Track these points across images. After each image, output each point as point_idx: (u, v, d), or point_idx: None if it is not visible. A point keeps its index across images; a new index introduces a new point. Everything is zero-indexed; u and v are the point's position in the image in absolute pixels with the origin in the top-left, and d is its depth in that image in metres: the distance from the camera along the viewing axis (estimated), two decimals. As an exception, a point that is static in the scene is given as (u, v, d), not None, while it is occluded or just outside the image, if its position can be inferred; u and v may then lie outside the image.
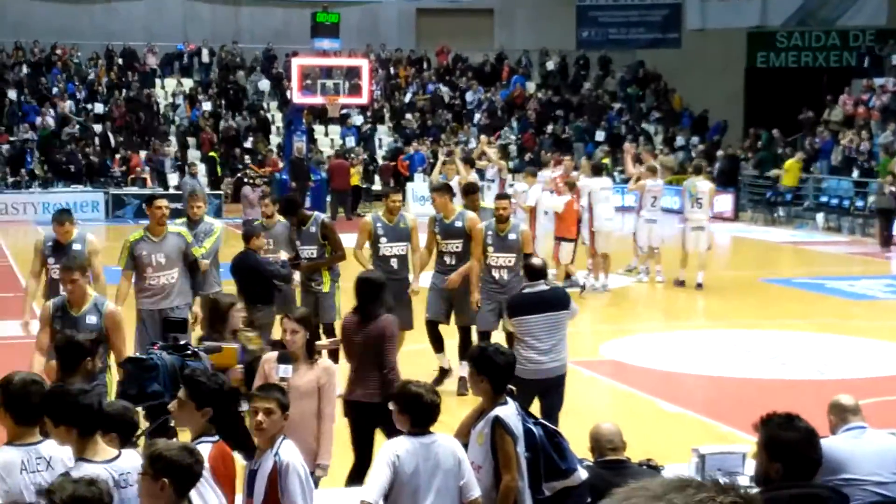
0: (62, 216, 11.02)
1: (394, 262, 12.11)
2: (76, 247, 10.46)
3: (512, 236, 11.83)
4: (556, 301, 9.46)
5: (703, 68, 40.05)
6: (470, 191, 13.85)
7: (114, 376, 8.32)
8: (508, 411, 6.25)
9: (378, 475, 5.88)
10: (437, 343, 12.37)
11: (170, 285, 10.83)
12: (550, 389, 9.18)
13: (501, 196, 13.29)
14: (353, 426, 8.36)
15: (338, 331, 9.87)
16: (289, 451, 5.87)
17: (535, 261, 9.82)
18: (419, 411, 5.94)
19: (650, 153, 25.84)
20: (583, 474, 6.45)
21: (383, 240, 12.20)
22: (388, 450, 5.96)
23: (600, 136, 38.74)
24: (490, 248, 11.78)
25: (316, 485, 7.35)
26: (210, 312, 8.61)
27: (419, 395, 5.97)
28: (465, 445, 6.24)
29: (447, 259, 12.27)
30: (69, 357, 7.06)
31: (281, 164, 33.15)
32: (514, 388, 6.55)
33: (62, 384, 5.99)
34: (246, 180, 25.47)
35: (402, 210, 12.65)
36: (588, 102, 40.93)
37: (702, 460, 7.02)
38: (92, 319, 8.56)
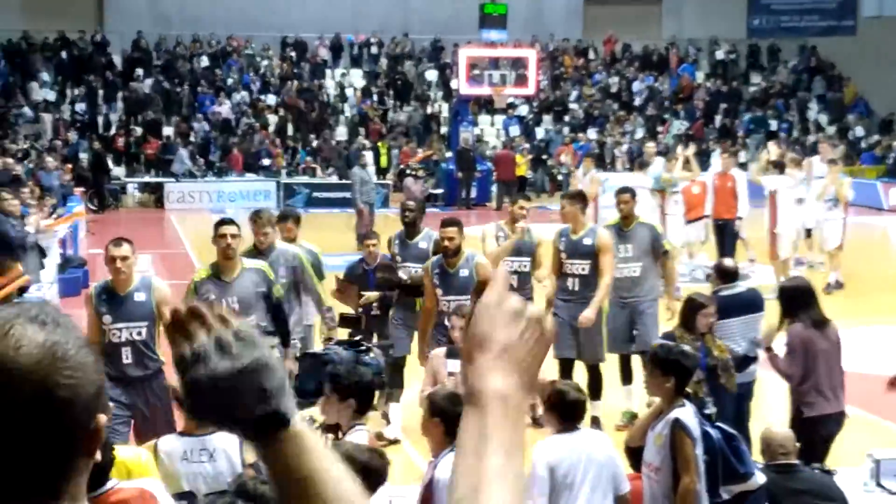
0: (119, 242, 8.43)
1: (512, 280, 10.38)
2: (138, 297, 8.18)
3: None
4: (756, 302, 9.19)
5: (879, 57, 38.80)
6: None
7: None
8: (687, 413, 6.20)
9: (537, 479, 5.92)
10: (569, 377, 10.44)
11: None
12: (745, 395, 8.86)
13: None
14: None
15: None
16: (447, 467, 5.83)
17: (728, 262, 9.63)
18: (566, 408, 6.03)
19: (829, 144, 24.52)
20: (760, 478, 6.36)
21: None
22: (542, 452, 6.02)
23: (772, 126, 37.95)
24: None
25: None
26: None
27: (564, 393, 6.07)
28: (641, 447, 6.23)
29: (570, 283, 10.46)
30: None
31: (440, 155, 33.38)
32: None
33: None
34: (409, 172, 25.68)
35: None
36: (758, 92, 40.11)
37: (876, 465, 6.84)
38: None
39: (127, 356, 8.02)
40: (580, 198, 11.04)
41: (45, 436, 1.66)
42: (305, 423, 1.71)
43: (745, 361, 8.65)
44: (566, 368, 10.37)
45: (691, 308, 8.12)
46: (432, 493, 5.74)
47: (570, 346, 10.31)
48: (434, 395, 6.22)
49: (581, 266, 10.38)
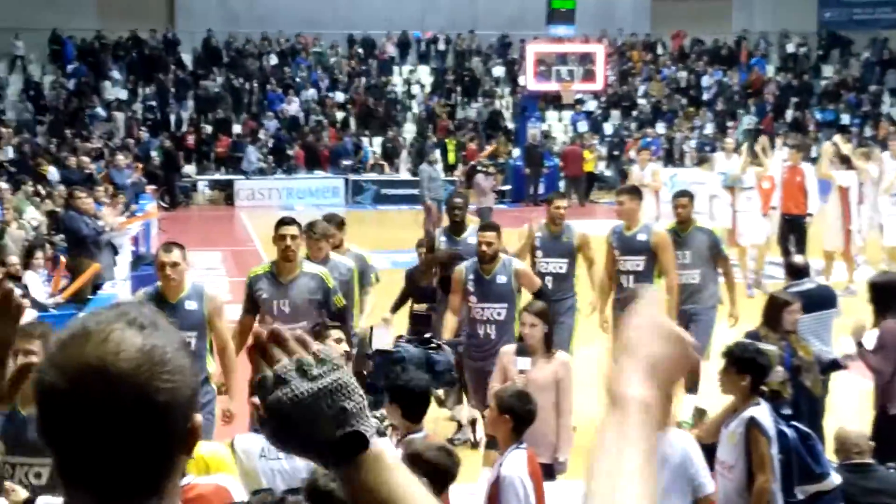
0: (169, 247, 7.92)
1: (548, 281, 10.14)
2: (189, 306, 7.71)
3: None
4: (826, 299, 9.05)
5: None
6: None
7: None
8: (762, 412, 6.14)
9: None
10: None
11: None
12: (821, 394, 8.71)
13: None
14: None
15: None
16: (513, 464, 5.84)
17: (798, 258, 9.51)
18: None
19: None
20: (836, 479, 6.28)
21: (539, 253, 10.55)
22: None
23: (844, 120, 37.43)
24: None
25: (553, 478, 7.40)
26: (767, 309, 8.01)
27: None
28: (714, 444, 6.17)
29: (623, 280, 10.24)
30: None
31: (504, 150, 33.32)
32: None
33: None
34: (479, 168, 25.69)
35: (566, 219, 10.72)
36: (830, 86, 39.60)
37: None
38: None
39: None
40: (637, 193, 10.79)
41: (146, 438, 1.69)
42: (384, 442, 1.72)
43: (834, 366, 8.45)
44: None
45: (775, 306, 7.97)
46: (499, 489, 5.73)
47: None
48: (502, 393, 6.23)
49: (635, 263, 10.09)
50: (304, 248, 8.83)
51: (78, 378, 1.68)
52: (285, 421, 1.72)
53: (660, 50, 41.53)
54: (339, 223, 10.18)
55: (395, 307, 10.60)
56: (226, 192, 32.92)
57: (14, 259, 12.93)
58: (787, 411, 7.17)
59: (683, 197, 10.80)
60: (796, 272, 9.19)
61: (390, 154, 35.08)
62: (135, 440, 1.68)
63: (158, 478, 1.73)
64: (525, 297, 9.22)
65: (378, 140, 35.86)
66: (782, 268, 16.99)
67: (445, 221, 11.70)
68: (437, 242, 10.69)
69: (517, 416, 5.89)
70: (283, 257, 8.27)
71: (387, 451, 1.73)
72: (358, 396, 1.73)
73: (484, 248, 9.12)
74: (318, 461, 1.77)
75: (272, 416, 1.72)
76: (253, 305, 8.34)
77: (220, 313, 7.70)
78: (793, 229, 17.23)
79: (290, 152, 34.66)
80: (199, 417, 1.78)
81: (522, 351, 7.60)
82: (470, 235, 10.39)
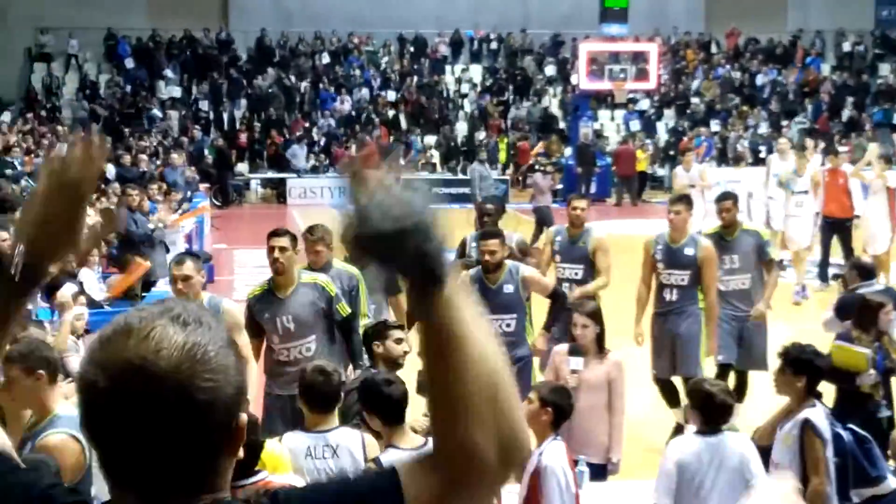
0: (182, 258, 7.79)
1: (565, 287, 9.52)
2: None
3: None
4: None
5: None
6: None
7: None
8: (818, 414, 6.08)
9: (665, 477, 5.87)
10: (672, 397, 9.76)
11: (305, 360, 7.40)
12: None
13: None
14: None
15: None
16: (553, 454, 5.86)
17: (866, 260, 9.39)
18: (710, 410, 5.91)
19: None
20: (893, 482, 6.19)
21: (557, 257, 10.04)
22: (673, 450, 5.98)
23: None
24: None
25: (605, 478, 7.38)
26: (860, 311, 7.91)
27: (711, 395, 5.92)
28: (769, 446, 6.12)
29: (667, 294, 9.69)
30: None
31: (559, 150, 33.22)
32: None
33: (373, 375, 6.18)
34: (537, 167, 25.67)
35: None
36: (885, 85, 39.12)
37: None
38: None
39: None
40: (690, 203, 10.20)
41: (187, 437, 1.67)
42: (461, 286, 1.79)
43: None
44: (666, 385, 9.75)
45: (870, 308, 7.78)
46: (539, 480, 5.74)
47: (669, 364, 9.63)
48: (543, 387, 6.30)
49: (681, 277, 9.55)
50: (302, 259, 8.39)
51: (118, 376, 1.67)
52: (368, 250, 1.76)
53: (714, 49, 41.24)
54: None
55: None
56: (278, 191, 33.07)
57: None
58: (885, 413, 7.09)
59: (727, 200, 10.25)
60: (866, 273, 9.05)
61: (443, 153, 35.10)
62: (175, 439, 1.66)
63: (203, 477, 1.72)
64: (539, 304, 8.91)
65: (430, 139, 35.89)
66: (816, 269, 16.86)
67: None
68: (468, 248, 10.03)
69: (559, 409, 5.94)
70: (273, 270, 7.91)
71: (461, 296, 1.79)
72: (437, 239, 1.77)
73: (487, 257, 8.57)
74: (399, 277, 1.80)
75: (356, 247, 1.77)
76: (257, 328, 7.86)
77: (238, 328, 7.27)
78: (837, 231, 16.72)
79: (337, 151, 34.80)
80: (244, 417, 1.75)
81: (575, 351, 7.60)
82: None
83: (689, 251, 9.53)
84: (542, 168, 25.31)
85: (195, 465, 1.70)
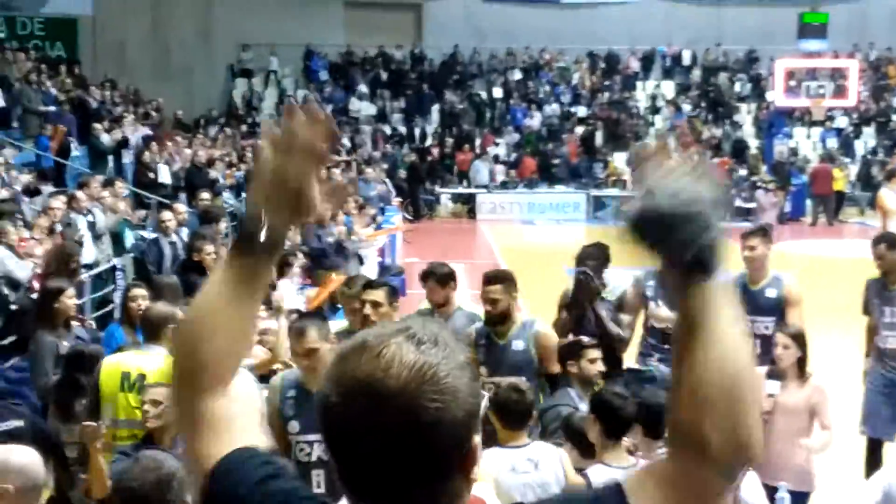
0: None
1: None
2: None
3: None
4: None
5: None
6: None
7: None
8: None
9: (868, 498, 5.75)
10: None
11: None
12: None
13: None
14: None
15: None
16: (750, 488, 5.76)
17: None
18: None
19: None
20: None
21: (652, 305, 8.70)
22: (883, 473, 5.83)
23: None
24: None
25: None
26: None
27: None
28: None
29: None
30: None
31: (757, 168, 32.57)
32: None
33: (606, 388, 6.23)
34: (759, 185, 25.15)
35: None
36: None
37: None
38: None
39: None
40: (769, 236, 8.56)
41: (412, 457, 1.67)
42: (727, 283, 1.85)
43: None
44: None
45: None
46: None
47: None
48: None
49: (764, 325, 7.92)
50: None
51: (347, 393, 1.68)
52: (647, 225, 1.84)
53: (917, 65, 39.79)
54: (442, 278, 7.84)
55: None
56: (468, 206, 33.35)
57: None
58: None
59: (880, 244, 8.48)
60: None
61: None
62: (401, 458, 1.66)
63: (435, 498, 1.71)
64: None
65: (620, 155, 35.64)
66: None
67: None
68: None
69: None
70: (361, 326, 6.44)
71: (722, 292, 1.84)
72: (713, 230, 1.81)
73: (488, 306, 7.25)
74: (667, 265, 1.86)
75: (635, 219, 1.86)
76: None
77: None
78: None
79: (526, 166, 34.87)
80: (477, 440, 1.73)
81: (773, 374, 7.40)
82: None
83: (770, 293, 8.15)
84: (763, 185, 24.67)
85: (425, 486, 1.69)
